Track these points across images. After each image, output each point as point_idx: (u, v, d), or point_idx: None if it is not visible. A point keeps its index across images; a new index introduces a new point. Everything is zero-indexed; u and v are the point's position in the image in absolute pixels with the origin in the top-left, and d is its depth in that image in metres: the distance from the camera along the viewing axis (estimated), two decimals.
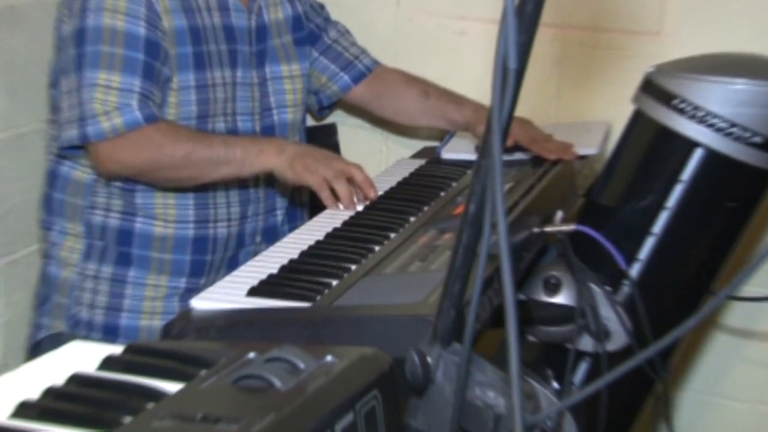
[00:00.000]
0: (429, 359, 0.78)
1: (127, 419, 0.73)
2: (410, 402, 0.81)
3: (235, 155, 1.61)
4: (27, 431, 0.72)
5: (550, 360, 1.57)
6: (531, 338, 1.58)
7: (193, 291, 1.72)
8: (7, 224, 1.91)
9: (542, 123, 1.93)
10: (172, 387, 0.79)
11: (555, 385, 1.57)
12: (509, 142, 1.79)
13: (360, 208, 1.62)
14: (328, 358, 0.82)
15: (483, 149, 0.76)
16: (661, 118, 1.50)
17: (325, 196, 1.60)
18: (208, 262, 1.76)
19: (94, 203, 1.73)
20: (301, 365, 0.80)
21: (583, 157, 1.84)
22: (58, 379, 0.79)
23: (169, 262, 1.74)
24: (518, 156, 1.84)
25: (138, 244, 1.72)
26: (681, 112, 1.47)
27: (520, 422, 0.55)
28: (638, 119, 1.57)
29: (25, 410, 0.74)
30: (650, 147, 1.54)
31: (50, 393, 0.77)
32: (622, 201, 1.57)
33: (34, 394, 0.77)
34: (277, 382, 0.77)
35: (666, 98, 1.48)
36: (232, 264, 1.76)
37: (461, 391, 0.76)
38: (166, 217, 1.72)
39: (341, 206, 1.60)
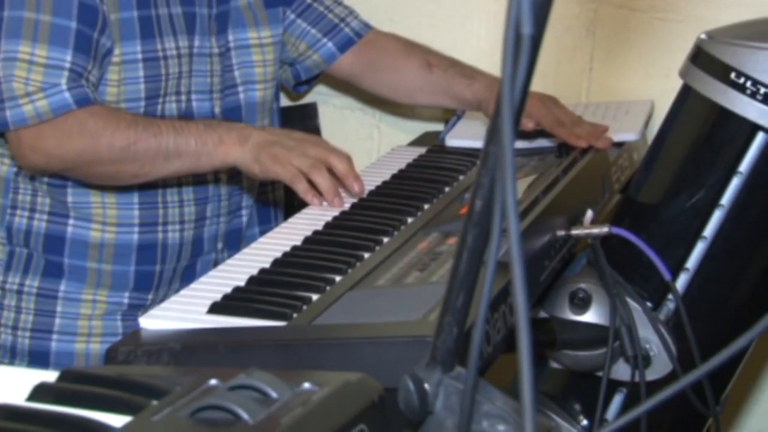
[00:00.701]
0: (427, 386, 0.81)
1: None
2: None
3: (189, 146, 1.63)
4: None
5: (577, 392, 1.61)
6: (555, 365, 1.62)
7: (138, 308, 1.74)
8: None
9: (570, 102, 1.96)
10: (117, 420, 0.82)
11: (584, 421, 1.60)
12: (529, 126, 1.82)
13: (347, 205, 1.65)
14: (306, 385, 0.84)
15: (491, 133, 0.79)
16: (715, 95, 1.53)
17: (301, 189, 1.62)
18: (157, 273, 1.79)
19: (16, 202, 1.76)
20: (273, 394, 0.83)
21: (619, 145, 1.87)
22: None
23: (108, 273, 1.76)
24: (540, 143, 1.88)
25: (71, 251, 1.75)
26: (740, 88, 1.50)
27: None
28: (687, 97, 1.60)
29: None
30: (701, 131, 1.58)
31: None
32: (667, 198, 1.60)
33: None
34: (244, 415, 0.79)
35: (721, 72, 1.51)
36: (188, 276, 1.78)
37: (465, 425, 0.79)
38: (104, 219, 1.75)
39: (323, 202, 1.63)
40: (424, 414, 0.82)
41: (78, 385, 0.86)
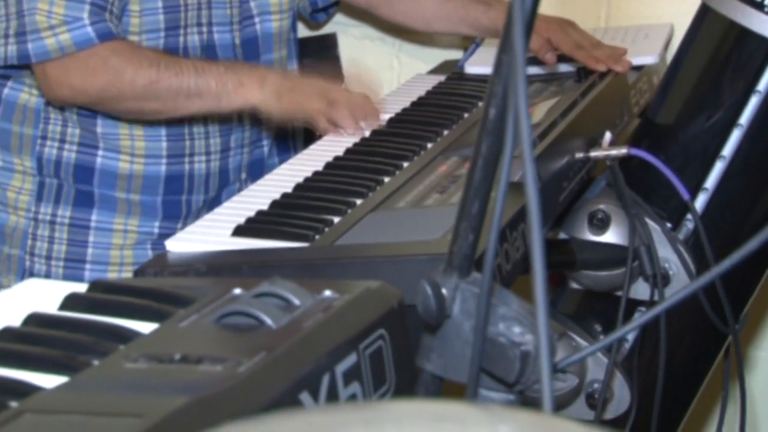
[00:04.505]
0: (444, 291, 0.83)
1: (96, 362, 0.79)
2: (423, 342, 0.87)
3: (209, 86, 1.66)
4: None
5: (597, 311, 1.63)
6: (574, 285, 1.64)
7: (168, 237, 1.77)
8: None
9: (590, 27, 1.96)
10: (145, 327, 0.85)
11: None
12: (551, 60, 1.83)
13: (366, 132, 1.67)
14: (327, 293, 0.87)
15: (503, 43, 0.80)
16: (733, 14, 1.53)
17: (322, 127, 1.65)
18: (184, 202, 1.82)
19: (46, 132, 1.78)
20: (296, 301, 0.86)
21: (638, 68, 1.88)
22: (14, 320, 0.85)
23: (137, 203, 1.79)
24: (559, 68, 1.89)
25: (100, 181, 1.78)
26: (758, 6, 1.50)
27: (546, 344, 0.60)
28: (705, 17, 1.60)
29: None
30: (720, 51, 1.58)
31: (6, 334, 0.83)
32: (685, 119, 1.61)
33: None
34: (268, 320, 0.82)
35: None
36: (216, 206, 1.81)
37: (482, 327, 0.81)
38: (132, 150, 1.77)
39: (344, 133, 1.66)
40: (441, 318, 0.84)
41: (107, 294, 0.90)
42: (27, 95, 1.79)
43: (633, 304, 1.58)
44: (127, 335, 0.83)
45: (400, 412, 0.49)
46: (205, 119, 1.81)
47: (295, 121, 1.68)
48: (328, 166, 1.54)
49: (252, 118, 1.87)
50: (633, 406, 1.58)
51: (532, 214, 0.61)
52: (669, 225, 1.58)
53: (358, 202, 1.41)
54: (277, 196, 1.44)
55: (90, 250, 1.78)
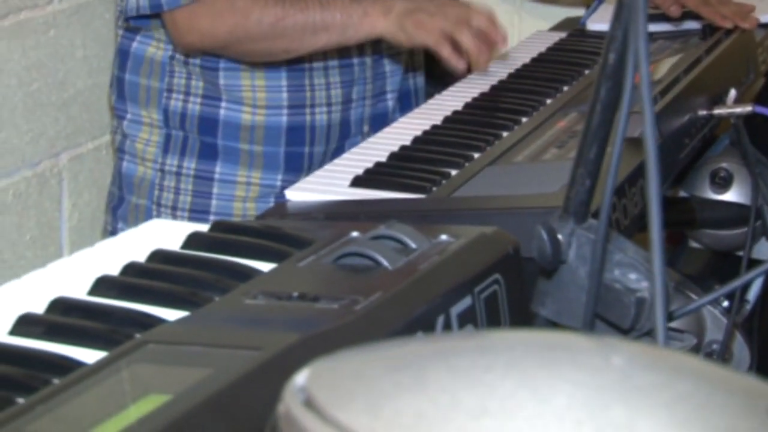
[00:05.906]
0: (560, 236, 0.83)
1: (216, 298, 0.81)
2: (538, 287, 0.86)
3: (335, 19, 1.67)
4: (107, 308, 0.80)
5: (717, 271, 1.60)
6: (695, 244, 1.61)
7: None
8: (70, 112, 2.02)
9: None
10: (265, 266, 0.86)
11: (725, 302, 1.59)
12: (676, 12, 1.79)
13: (486, 87, 1.66)
14: (443, 237, 0.88)
15: None
16: None
17: (446, 53, 1.63)
18: (306, 154, 1.84)
19: (172, 85, 1.82)
20: (412, 244, 0.86)
21: (766, 25, 1.82)
22: (139, 256, 0.88)
23: (260, 154, 1.82)
24: (685, 25, 1.85)
25: (224, 133, 1.81)
26: None
27: (661, 285, 0.59)
28: None
29: (103, 286, 0.83)
30: None
31: (131, 269, 0.85)
32: None
33: (112, 270, 0.85)
34: (384, 261, 0.83)
35: None
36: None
37: (597, 273, 0.81)
38: (254, 101, 1.80)
39: (470, 66, 1.64)
40: (557, 263, 0.84)
41: (229, 234, 0.92)
42: (154, 49, 1.82)
43: (755, 264, 1.54)
44: (247, 273, 0.85)
45: (513, 340, 0.49)
46: (326, 69, 1.81)
47: (421, 45, 1.66)
48: (446, 120, 1.54)
49: (375, 69, 1.87)
50: (753, 367, 1.55)
51: (649, 146, 0.60)
52: None
53: (476, 155, 1.40)
54: (395, 148, 1.44)
55: (214, 202, 1.82)
